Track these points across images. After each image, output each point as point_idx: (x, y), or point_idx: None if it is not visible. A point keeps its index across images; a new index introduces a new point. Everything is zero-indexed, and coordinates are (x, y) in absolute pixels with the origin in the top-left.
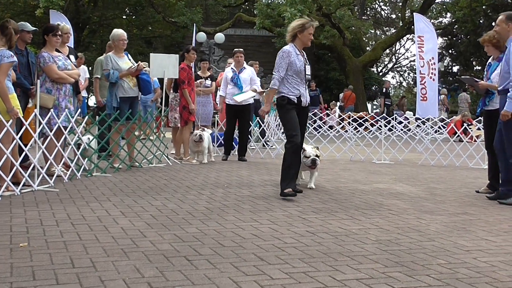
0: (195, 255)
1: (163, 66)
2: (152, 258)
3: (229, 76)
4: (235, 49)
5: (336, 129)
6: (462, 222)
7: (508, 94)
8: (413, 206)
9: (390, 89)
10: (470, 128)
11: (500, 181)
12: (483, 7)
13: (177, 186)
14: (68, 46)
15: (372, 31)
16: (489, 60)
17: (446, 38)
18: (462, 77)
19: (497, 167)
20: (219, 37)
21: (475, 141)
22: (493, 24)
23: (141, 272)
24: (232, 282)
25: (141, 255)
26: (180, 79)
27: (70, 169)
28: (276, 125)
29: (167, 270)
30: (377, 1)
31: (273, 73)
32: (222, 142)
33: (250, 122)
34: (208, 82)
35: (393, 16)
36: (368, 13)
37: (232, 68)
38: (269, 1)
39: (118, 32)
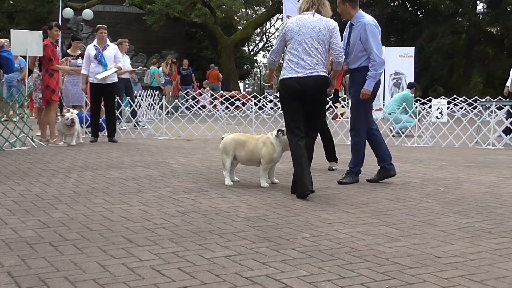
0: (60, 241)
1: (26, 43)
2: (14, 246)
3: (92, 54)
4: (98, 25)
5: (208, 108)
6: (326, 197)
7: (369, 73)
8: (281, 183)
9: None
10: (335, 107)
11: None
12: None
13: (43, 169)
14: None
15: (243, 10)
16: None
17: None
18: None
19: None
20: (87, 13)
21: (339, 118)
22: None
23: (1, 261)
24: (99, 266)
25: (1, 243)
26: (46, 56)
27: None
28: (147, 105)
29: (29, 257)
30: None
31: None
32: None
33: (121, 102)
34: (80, 61)
35: None
36: None
37: (94, 45)
38: None
39: None
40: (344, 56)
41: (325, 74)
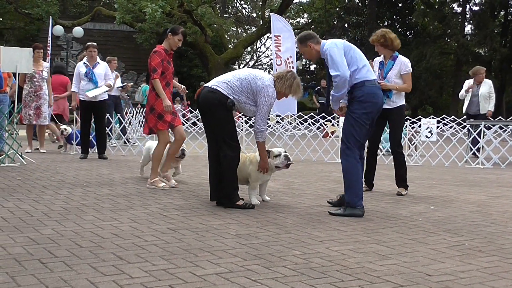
0: (50, 258)
1: (16, 60)
2: (2, 263)
3: (82, 71)
4: (88, 43)
5: (199, 125)
6: (317, 214)
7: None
8: (272, 200)
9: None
10: (325, 125)
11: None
12: (337, 9)
13: (32, 186)
14: None
15: (234, 29)
16: (379, 59)
17: None
18: None
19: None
20: (78, 31)
21: (330, 137)
22: (346, 25)
23: None
24: (90, 283)
25: None
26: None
27: None
28: (138, 122)
29: (18, 274)
30: (238, 0)
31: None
32: None
33: (111, 119)
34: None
35: (254, 15)
36: (229, 11)
37: (85, 63)
38: None
39: None
40: (259, 129)
41: (220, 90)
